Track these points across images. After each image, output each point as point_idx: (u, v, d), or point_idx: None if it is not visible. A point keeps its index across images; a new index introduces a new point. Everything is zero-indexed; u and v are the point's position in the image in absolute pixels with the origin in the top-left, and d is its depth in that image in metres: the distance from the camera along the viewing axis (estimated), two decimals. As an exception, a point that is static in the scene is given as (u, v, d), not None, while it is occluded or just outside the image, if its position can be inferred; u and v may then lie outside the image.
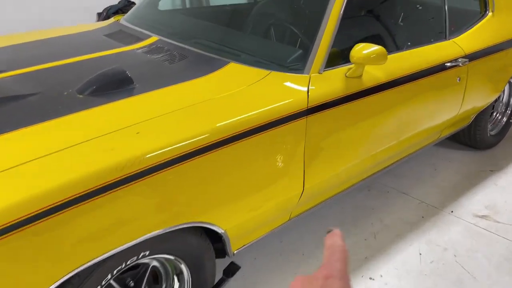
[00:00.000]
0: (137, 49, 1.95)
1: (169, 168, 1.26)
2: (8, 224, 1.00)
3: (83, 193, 1.10)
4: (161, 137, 1.28)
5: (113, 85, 1.53)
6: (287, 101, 1.56)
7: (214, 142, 1.35)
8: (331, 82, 1.70)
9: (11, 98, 1.47)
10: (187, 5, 4.57)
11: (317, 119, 1.62)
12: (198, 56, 1.82)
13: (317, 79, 1.68)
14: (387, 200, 2.58)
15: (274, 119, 1.51)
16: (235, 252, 1.67)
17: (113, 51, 1.93)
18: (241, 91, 1.56)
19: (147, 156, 1.21)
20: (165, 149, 1.25)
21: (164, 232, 1.30)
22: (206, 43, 1.97)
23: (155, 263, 1.52)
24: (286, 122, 1.54)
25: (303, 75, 1.67)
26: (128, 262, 1.31)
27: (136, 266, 1.48)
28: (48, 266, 1.09)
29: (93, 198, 1.12)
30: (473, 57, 2.37)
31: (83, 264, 1.15)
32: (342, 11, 1.78)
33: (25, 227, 1.03)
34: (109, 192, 1.14)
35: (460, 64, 2.27)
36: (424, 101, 2.15)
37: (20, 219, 1.02)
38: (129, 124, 1.31)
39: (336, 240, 0.46)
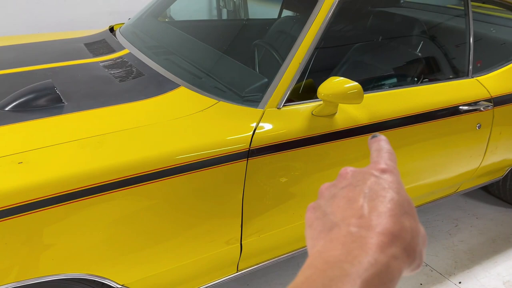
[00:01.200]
0: (102, 61, 1.80)
1: (42, 209, 1.07)
2: None
3: None
4: (45, 170, 1.10)
5: (38, 102, 1.39)
6: (226, 137, 1.31)
7: (111, 181, 1.15)
8: (289, 120, 1.42)
9: None
10: (224, 17, 4.46)
11: (260, 163, 1.35)
12: (155, 75, 1.63)
13: (273, 115, 1.41)
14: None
15: (207, 157, 1.27)
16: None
17: (75, 62, 1.80)
18: (176, 121, 1.34)
19: (13, 192, 1.03)
20: (41, 186, 1.06)
21: (43, 280, 1.11)
22: (175, 61, 1.78)
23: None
24: (221, 162, 1.30)
25: (256, 109, 1.42)
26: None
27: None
28: None
29: None
30: (501, 101, 1.95)
31: None
32: (317, 37, 1.50)
33: None
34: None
35: (482, 109, 1.87)
36: (423, 151, 1.77)
37: None
38: (20, 151, 1.14)
39: (384, 144, 0.43)
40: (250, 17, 3.10)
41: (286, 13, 2.55)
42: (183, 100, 1.45)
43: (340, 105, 1.51)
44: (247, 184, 1.35)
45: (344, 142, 1.51)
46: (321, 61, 1.73)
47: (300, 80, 1.55)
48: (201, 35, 2.21)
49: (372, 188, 0.37)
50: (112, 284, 1.23)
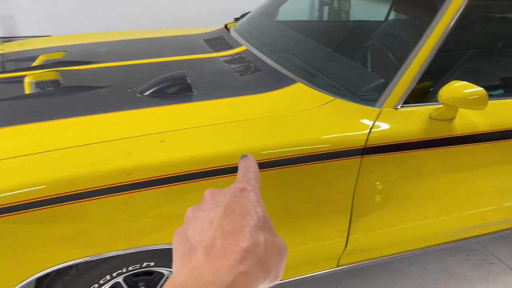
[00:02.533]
0: (222, 56, 1.94)
1: (180, 183, 1.20)
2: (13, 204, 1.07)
3: (85, 190, 1.12)
4: (183, 149, 1.23)
5: (172, 89, 1.54)
6: (342, 134, 1.36)
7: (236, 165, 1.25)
8: (407, 121, 1.42)
9: (85, 87, 1.59)
10: (325, 17, 4.49)
11: (375, 162, 1.38)
12: (272, 71, 1.72)
13: (389, 115, 1.42)
14: (488, 274, 2.09)
15: (322, 151, 1.33)
16: (262, 286, 1.53)
17: (198, 56, 1.96)
18: (294, 115, 1.41)
19: (157, 166, 1.17)
20: (180, 163, 1.19)
21: (163, 248, 1.25)
22: (289, 59, 1.86)
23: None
24: (335, 157, 1.35)
25: (373, 108, 1.44)
26: (130, 268, 1.30)
27: (153, 273, 1.47)
28: (44, 251, 1.14)
29: (93, 198, 1.13)
30: None
31: (80, 258, 1.17)
32: (440, 41, 1.48)
33: (30, 210, 1.09)
34: (110, 195, 1.14)
35: None
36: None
37: (26, 202, 1.08)
38: (161, 131, 1.29)
39: (251, 163, 0.46)
40: (353, 15, 3.09)
41: (392, 15, 2.51)
42: (301, 96, 1.52)
43: (460, 110, 1.47)
44: (360, 181, 1.38)
45: (462, 148, 1.47)
46: (437, 64, 1.70)
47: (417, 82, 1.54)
48: (312, 34, 2.27)
49: (231, 207, 0.39)
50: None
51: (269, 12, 2.54)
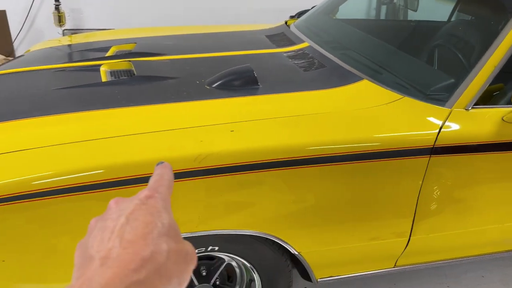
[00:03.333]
0: (285, 52, 1.97)
1: (248, 172, 1.24)
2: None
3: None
4: (252, 140, 1.27)
5: (239, 82, 1.59)
6: (410, 132, 1.35)
7: (306, 157, 1.27)
8: (478, 123, 1.39)
9: (156, 78, 1.67)
10: (382, 17, 4.42)
11: (443, 162, 1.35)
12: (336, 67, 1.73)
13: (460, 116, 1.40)
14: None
15: (389, 148, 1.33)
16: (318, 279, 1.55)
17: (261, 51, 1.99)
18: (361, 111, 1.42)
19: (226, 155, 1.21)
20: (249, 152, 1.23)
21: (229, 233, 1.29)
22: (353, 56, 1.86)
23: (232, 262, 1.53)
24: (402, 156, 1.34)
25: (443, 108, 1.42)
26: (196, 251, 1.35)
27: (213, 258, 1.52)
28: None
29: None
30: None
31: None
32: (518, 40, 1.43)
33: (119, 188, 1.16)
34: (182, 179, 1.19)
35: None
36: None
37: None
38: (230, 121, 1.34)
39: (166, 171, 0.45)
40: (419, 15, 3.03)
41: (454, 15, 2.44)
42: (367, 93, 1.52)
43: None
44: (426, 181, 1.37)
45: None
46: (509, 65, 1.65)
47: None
48: (375, 32, 2.26)
49: (134, 215, 0.38)
50: (290, 249, 1.37)
51: (329, 10, 2.55)
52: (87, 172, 1.15)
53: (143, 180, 1.17)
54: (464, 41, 1.89)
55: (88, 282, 0.33)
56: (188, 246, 0.39)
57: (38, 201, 1.13)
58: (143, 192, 0.41)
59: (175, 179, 1.16)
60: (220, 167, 1.23)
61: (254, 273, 1.49)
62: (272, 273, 1.48)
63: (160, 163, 0.47)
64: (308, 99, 1.49)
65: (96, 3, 3.66)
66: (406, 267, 1.65)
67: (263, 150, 1.25)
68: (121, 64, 1.80)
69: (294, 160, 1.26)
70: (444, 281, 2.01)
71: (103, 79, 1.67)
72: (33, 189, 1.12)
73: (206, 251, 1.36)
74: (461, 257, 1.70)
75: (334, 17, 2.67)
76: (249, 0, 3.90)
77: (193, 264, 0.39)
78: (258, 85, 1.58)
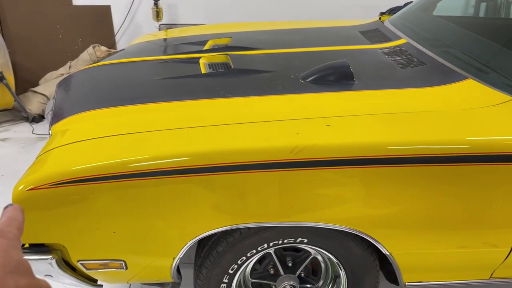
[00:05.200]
0: (381, 48, 1.92)
1: (342, 167, 1.23)
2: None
3: (258, 162, 1.22)
4: (348, 135, 1.27)
5: (334, 77, 1.58)
6: (519, 136, 1.26)
7: (402, 156, 1.24)
8: None
9: (253, 71, 1.72)
10: (481, 14, 4.14)
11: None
12: (438, 65, 1.65)
13: None
14: None
15: (496, 152, 1.25)
16: (406, 283, 1.51)
17: (356, 47, 1.97)
18: (466, 112, 1.35)
19: (322, 148, 1.22)
20: (345, 148, 1.23)
21: (319, 226, 1.30)
22: (455, 54, 1.76)
23: (318, 256, 1.54)
24: (506, 161, 1.25)
25: (560, 111, 1.30)
26: (285, 241, 1.38)
27: (300, 251, 1.54)
28: (216, 214, 1.27)
29: (261, 170, 1.22)
30: None
31: (243, 223, 1.28)
32: None
33: (208, 173, 1.22)
34: (278, 169, 1.22)
35: None
36: None
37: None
38: (326, 115, 1.34)
39: (17, 214, 0.47)
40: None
41: None
42: (473, 93, 1.44)
43: None
44: (535, 189, 1.27)
45: None
46: None
47: None
48: (478, 30, 2.12)
49: None
50: (382, 249, 1.34)
51: (427, 6, 2.43)
52: (184, 157, 1.21)
53: (244, 167, 1.21)
54: None
55: None
56: (42, 282, 0.42)
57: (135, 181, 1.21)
58: None
59: (271, 169, 1.19)
60: (315, 160, 1.24)
61: (341, 269, 1.49)
62: (359, 271, 1.47)
63: (9, 205, 0.50)
64: (406, 97, 1.45)
65: (191, 0, 3.84)
66: (501, 280, 1.55)
67: (359, 146, 1.24)
68: (219, 57, 1.87)
69: (388, 158, 1.24)
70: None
71: (203, 71, 1.75)
72: (131, 170, 1.20)
73: (295, 242, 1.38)
74: None
75: (432, 14, 2.55)
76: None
77: None
78: (354, 80, 1.56)
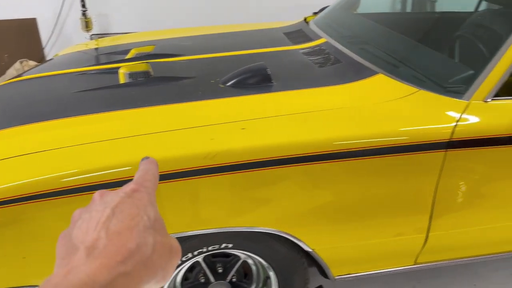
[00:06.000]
0: (301, 49, 1.96)
1: (258, 169, 1.24)
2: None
3: (172, 172, 1.20)
4: (262, 137, 1.27)
5: (253, 80, 1.59)
6: (425, 126, 1.32)
7: (318, 153, 1.26)
8: (497, 115, 1.34)
9: (172, 78, 1.70)
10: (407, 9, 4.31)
11: (460, 157, 1.31)
12: (352, 62, 1.70)
13: (478, 108, 1.35)
14: None
15: (404, 143, 1.30)
16: (336, 277, 1.54)
17: (277, 48, 1.99)
18: (375, 106, 1.39)
19: (236, 152, 1.22)
20: (258, 150, 1.23)
21: (242, 230, 1.30)
22: (370, 50, 1.82)
23: (249, 260, 1.54)
24: (418, 150, 1.31)
25: (460, 100, 1.37)
26: (210, 248, 1.37)
27: (230, 256, 1.53)
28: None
29: (178, 179, 1.20)
30: None
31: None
32: (541, 27, 1.37)
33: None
34: (193, 177, 1.21)
35: None
36: None
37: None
38: (241, 119, 1.34)
39: (150, 166, 0.45)
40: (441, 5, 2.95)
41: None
42: (382, 87, 1.49)
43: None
44: (443, 176, 1.33)
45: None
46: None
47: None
48: (395, 26, 2.20)
49: (119, 208, 0.38)
50: (304, 246, 1.36)
51: (350, 5, 2.51)
52: (107, 170, 1.18)
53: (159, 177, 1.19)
54: (487, 31, 1.83)
55: (75, 272, 0.33)
56: (173, 240, 0.40)
57: (64, 198, 1.16)
58: (128, 185, 0.42)
59: (186, 177, 1.17)
60: (230, 165, 1.23)
61: (270, 270, 1.49)
62: (288, 270, 1.48)
63: (145, 158, 0.47)
64: (321, 95, 1.48)
65: (123, 8, 3.75)
66: (428, 264, 1.61)
67: (273, 147, 1.25)
68: (139, 66, 1.84)
69: (304, 156, 1.26)
70: (473, 280, 1.94)
71: (121, 81, 1.71)
72: (60, 187, 1.15)
73: (219, 248, 1.38)
74: (487, 255, 1.64)
75: (355, 12, 2.63)
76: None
77: (177, 258, 0.40)
78: (272, 82, 1.58)
